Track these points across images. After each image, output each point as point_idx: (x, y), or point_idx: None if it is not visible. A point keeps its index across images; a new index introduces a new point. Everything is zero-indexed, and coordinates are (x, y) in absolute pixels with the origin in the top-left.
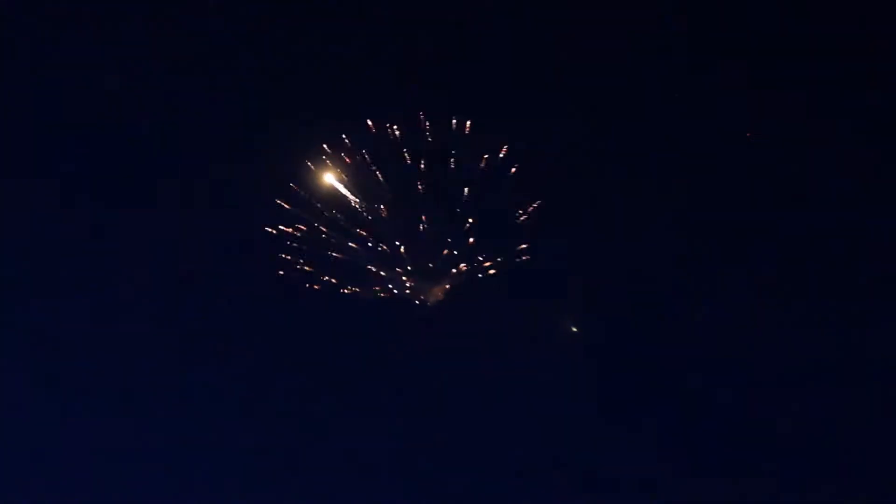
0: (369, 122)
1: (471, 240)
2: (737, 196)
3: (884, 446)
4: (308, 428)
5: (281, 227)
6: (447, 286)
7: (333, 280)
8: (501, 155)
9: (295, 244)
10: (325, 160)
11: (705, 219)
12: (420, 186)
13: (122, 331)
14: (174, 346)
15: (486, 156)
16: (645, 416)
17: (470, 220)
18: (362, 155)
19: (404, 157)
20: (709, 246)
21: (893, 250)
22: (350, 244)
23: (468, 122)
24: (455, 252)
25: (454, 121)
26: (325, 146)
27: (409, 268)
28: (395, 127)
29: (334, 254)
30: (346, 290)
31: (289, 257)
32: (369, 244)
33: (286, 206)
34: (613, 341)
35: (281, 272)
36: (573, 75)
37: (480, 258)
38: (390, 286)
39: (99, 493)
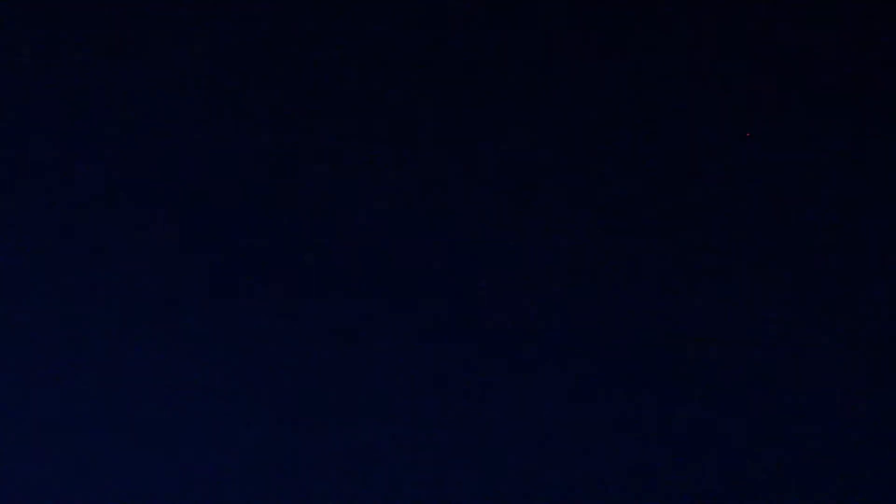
0: None
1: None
2: (736, 195)
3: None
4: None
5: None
6: None
7: None
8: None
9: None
10: None
11: (705, 218)
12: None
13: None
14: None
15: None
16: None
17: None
18: None
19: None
20: (708, 246)
21: (893, 250)
22: None
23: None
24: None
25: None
26: None
27: None
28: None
29: None
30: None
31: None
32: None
33: None
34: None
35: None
36: (570, 74)
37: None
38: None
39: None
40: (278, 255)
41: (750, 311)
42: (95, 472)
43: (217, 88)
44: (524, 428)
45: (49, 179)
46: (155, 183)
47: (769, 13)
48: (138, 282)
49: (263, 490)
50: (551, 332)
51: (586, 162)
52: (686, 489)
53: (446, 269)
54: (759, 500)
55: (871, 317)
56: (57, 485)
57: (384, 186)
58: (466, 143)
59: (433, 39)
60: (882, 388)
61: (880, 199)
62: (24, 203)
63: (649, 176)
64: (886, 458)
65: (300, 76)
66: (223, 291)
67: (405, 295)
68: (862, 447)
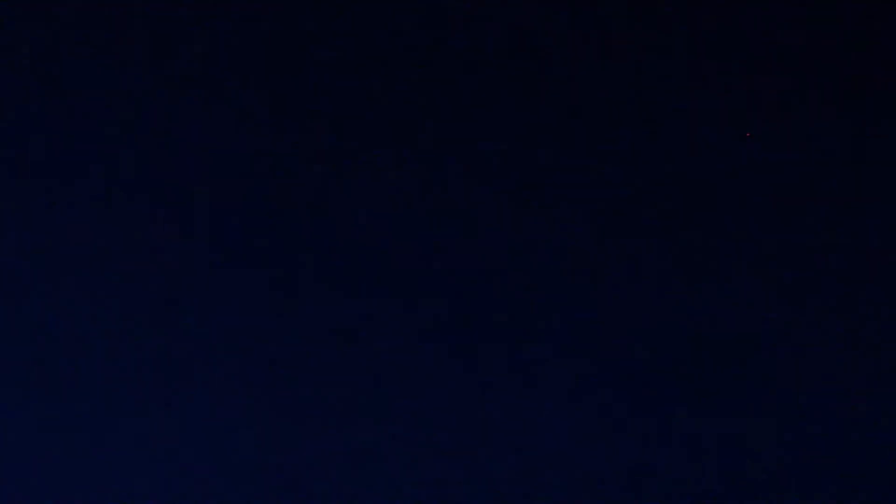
0: None
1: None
2: (736, 195)
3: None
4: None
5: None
6: None
7: None
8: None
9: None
10: None
11: (704, 218)
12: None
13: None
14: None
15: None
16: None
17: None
18: None
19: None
20: (708, 246)
21: (892, 250)
22: None
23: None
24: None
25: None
26: None
27: None
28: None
29: None
30: None
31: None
32: None
33: None
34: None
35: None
36: (570, 74)
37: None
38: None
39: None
40: (278, 255)
41: (750, 310)
42: (95, 472)
43: (217, 88)
44: (524, 428)
45: (49, 179)
46: (155, 183)
47: (769, 13)
48: (138, 282)
49: (263, 490)
50: (551, 332)
51: (586, 162)
52: (686, 489)
53: (446, 269)
54: (759, 500)
55: (871, 317)
56: (57, 485)
57: (384, 186)
58: (466, 143)
59: (433, 39)
60: (882, 388)
61: (880, 199)
62: (24, 203)
63: (649, 176)
64: (886, 458)
65: (300, 76)
66: (223, 291)
67: (405, 295)
68: (862, 447)
